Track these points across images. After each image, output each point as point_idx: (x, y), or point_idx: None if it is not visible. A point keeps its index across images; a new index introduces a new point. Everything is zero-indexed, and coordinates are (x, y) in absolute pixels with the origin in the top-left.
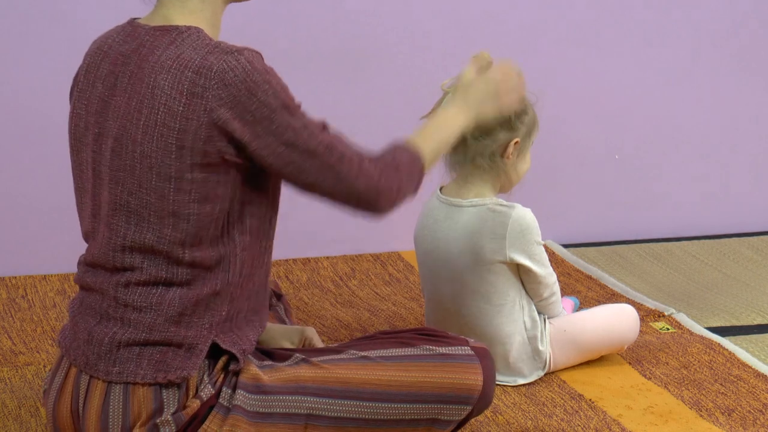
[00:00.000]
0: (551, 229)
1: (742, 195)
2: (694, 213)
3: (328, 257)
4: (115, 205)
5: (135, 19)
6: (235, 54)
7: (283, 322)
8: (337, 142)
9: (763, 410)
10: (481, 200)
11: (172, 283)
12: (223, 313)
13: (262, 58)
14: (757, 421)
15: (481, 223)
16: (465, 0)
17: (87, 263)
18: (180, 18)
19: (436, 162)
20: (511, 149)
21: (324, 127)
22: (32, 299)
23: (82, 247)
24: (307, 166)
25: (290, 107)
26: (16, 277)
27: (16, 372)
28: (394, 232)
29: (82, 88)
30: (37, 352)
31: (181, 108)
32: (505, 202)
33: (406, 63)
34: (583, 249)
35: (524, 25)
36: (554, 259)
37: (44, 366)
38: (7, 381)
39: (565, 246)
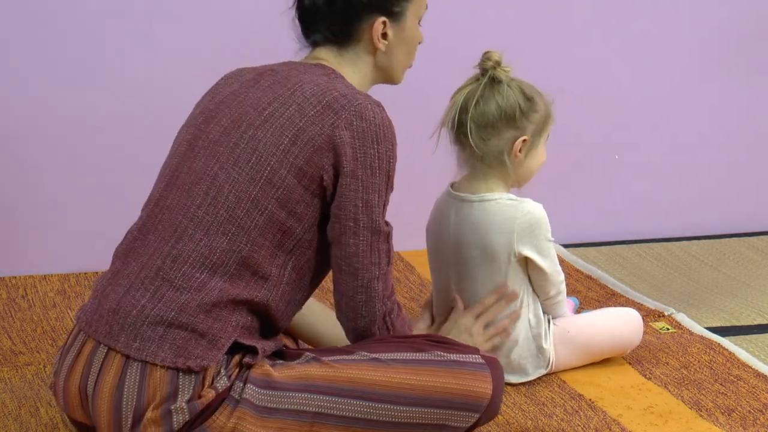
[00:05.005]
0: (551, 229)
1: (742, 195)
2: (694, 213)
3: None
4: (204, 174)
5: None
6: (381, 107)
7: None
8: (387, 243)
9: (763, 410)
10: (490, 195)
11: (218, 271)
12: (249, 319)
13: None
14: (757, 421)
15: (491, 218)
16: (466, 0)
17: (140, 229)
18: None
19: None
20: (518, 147)
21: (387, 222)
22: (32, 299)
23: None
24: (357, 234)
25: (390, 181)
26: (16, 277)
27: (16, 372)
28: (394, 232)
29: (216, 85)
30: (37, 352)
31: (312, 112)
32: (515, 197)
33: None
34: (583, 249)
35: (525, 24)
36: None
37: (44, 366)
38: (7, 381)
39: (565, 246)
